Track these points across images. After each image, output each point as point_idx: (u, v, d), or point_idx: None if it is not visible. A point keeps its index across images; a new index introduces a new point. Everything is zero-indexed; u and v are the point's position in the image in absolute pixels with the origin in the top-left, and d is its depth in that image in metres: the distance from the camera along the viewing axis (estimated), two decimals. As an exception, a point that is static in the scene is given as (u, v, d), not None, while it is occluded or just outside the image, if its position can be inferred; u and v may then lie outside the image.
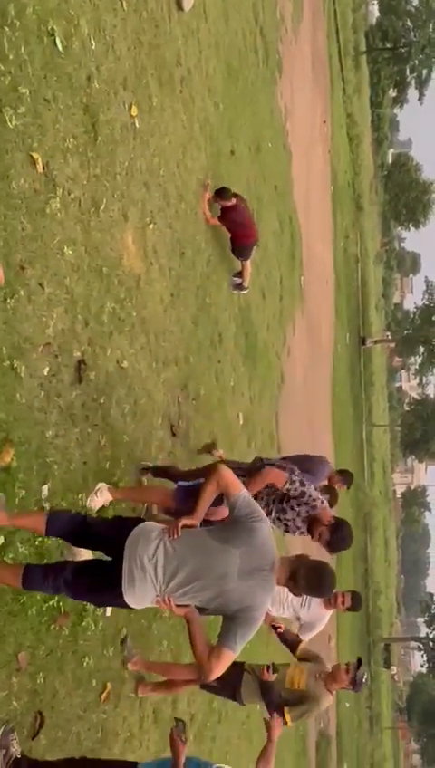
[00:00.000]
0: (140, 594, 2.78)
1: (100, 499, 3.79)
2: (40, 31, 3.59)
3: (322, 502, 4.11)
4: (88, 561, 3.09)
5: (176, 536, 2.79)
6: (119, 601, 2.81)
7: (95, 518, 3.21)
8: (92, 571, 2.91)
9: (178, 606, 2.78)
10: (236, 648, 2.71)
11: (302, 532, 4.15)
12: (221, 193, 6.93)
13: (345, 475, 6.01)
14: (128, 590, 2.76)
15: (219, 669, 2.69)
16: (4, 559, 3.04)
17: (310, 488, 4.08)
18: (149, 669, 4.10)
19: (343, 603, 4.90)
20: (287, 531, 4.25)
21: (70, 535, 3.02)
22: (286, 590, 4.95)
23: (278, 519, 4.20)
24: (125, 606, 2.86)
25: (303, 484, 4.05)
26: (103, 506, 3.85)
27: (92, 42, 4.21)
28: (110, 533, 2.93)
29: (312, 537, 4.13)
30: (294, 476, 4.06)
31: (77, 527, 2.98)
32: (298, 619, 5.06)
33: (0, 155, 3.20)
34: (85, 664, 3.68)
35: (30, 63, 3.46)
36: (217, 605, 2.76)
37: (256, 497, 3.95)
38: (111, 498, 3.88)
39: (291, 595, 4.89)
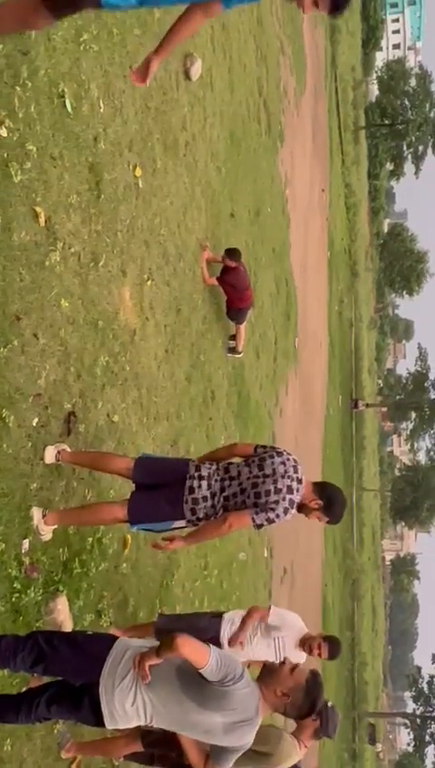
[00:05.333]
0: (125, 725, 2.78)
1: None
2: (51, 92, 3.71)
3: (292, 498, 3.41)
4: (60, 692, 2.84)
5: (147, 680, 2.64)
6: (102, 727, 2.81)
7: (48, 637, 2.83)
8: (69, 706, 2.79)
9: None
10: (230, 765, 2.83)
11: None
12: (232, 253, 7.12)
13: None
14: (110, 725, 2.75)
15: None
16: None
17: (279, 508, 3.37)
18: (85, 752, 3.81)
19: (319, 655, 4.32)
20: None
21: (26, 667, 2.78)
22: (255, 641, 4.27)
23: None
24: None
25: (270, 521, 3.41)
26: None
27: (101, 105, 4.36)
28: (72, 670, 2.76)
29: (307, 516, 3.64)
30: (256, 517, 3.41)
31: (33, 655, 2.74)
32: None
33: (3, 207, 3.25)
34: (56, 731, 3.51)
35: (39, 122, 3.56)
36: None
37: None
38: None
39: (260, 646, 4.24)
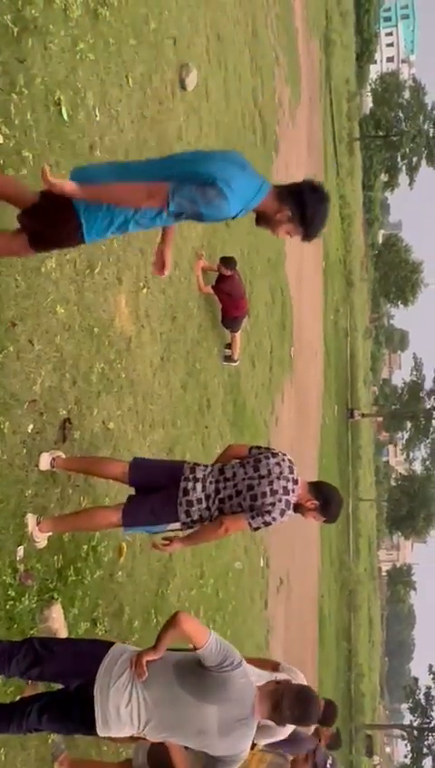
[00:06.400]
0: (117, 732, 2.73)
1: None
2: (47, 100, 3.72)
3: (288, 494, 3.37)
4: (52, 701, 2.79)
5: (144, 677, 2.62)
6: (94, 736, 2.76)
7: (44, 641, 2.82)
8: (61, 714, 2.75)
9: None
10: None
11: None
12: (228, 261, 7.16)
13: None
14: (103, 732, 2.70)
15: None
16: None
17: (275, 511, 3.34)
18: None
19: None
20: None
21: (21, 671, 2.75)
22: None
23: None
24: None
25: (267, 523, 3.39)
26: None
27: (97, 113, 4.38)
28: (69, 670, 2.73)
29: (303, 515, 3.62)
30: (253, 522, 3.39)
31: (28, 659, 2.71)
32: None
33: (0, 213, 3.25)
34: (51, 740, 3.48)
35: (35, 129, 3.57)
36: (200, 750, 2.75)
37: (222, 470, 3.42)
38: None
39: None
